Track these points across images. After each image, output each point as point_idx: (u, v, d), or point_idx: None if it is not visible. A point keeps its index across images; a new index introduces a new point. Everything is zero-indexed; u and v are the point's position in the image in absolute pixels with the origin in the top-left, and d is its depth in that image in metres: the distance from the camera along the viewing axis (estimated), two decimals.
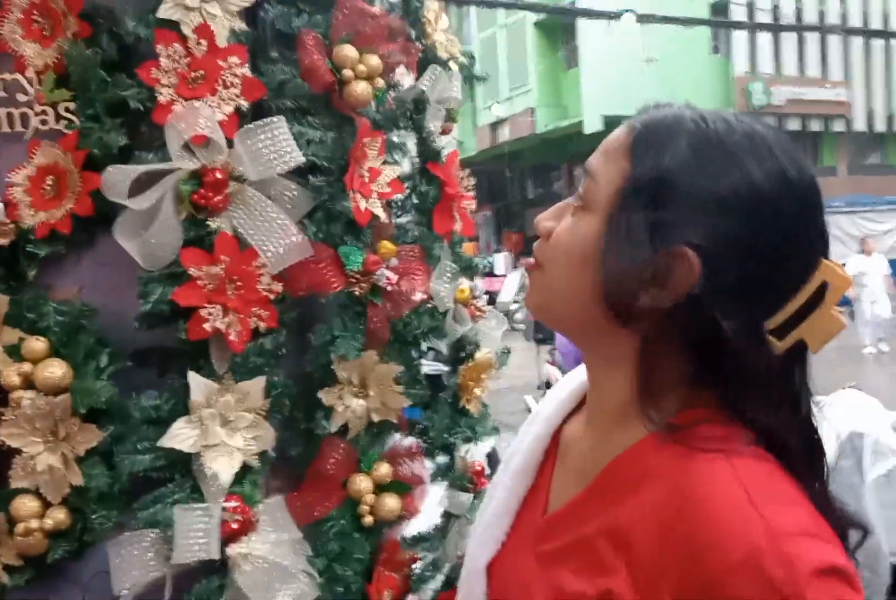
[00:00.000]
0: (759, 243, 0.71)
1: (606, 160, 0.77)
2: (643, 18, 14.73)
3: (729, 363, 0.71)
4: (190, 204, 1.21)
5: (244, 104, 1.25)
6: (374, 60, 1.34)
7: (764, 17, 21.92)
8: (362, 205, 1.32)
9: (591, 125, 21.59)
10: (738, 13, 21.91)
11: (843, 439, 2.22)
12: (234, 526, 1.17)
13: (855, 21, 24.43)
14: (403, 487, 1.32)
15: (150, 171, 1.20)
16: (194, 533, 1.14)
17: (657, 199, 0.71)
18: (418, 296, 1.34)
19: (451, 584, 1.42)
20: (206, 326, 1.19)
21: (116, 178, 1.18)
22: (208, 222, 1.22)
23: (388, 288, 1.30)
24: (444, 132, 1.49)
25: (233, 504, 1.18)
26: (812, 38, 24.52)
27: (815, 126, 25.31)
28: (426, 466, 1.39)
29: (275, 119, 1.24)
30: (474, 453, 1.52)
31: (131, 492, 1.19)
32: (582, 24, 20.24)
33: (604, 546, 0.72)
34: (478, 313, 1.50)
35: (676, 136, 0.73)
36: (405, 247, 1.37)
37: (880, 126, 26.54)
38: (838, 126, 25.58)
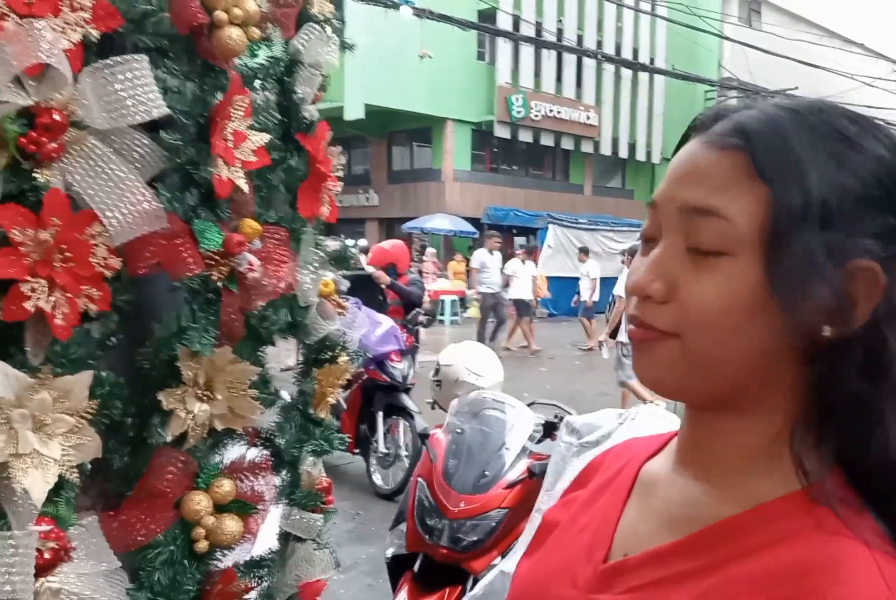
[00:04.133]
0: None
1: (727, 193, 0.63)
2: (420, 13, 14.89)
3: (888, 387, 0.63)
4: (15, 148, 0.95)
5: (94, 34, 1.01)
6: (252, 5, 1.14)
7: (528, 31, 22.82)
8: (224, 173, 1.12)
9: (352, 112, 21.18)
10: (504, 23, 22.57)
11: None
12: (47, 555, 0.93)
13: (609, 49, 26.17)
14: (247, 507, 1.13)
15: None
16: (1, 567, 0.89)
17: (820, 217, 0.61)
18: (282, 287, 1.15)
19: None
20: (28, 305, 0.94)
21: None
22: (36, 174, 0.97)
23: (249, 274, 1.11)
24: (314, 101, 1.30)
25: (45, 528, 0.94)
26: (569, 60, 25.96)
27: (567, 144, 26.84)
28: (273, 483, 1.20)
29: (136, 57, 1.01)
30: None
31: None
32: (351, 7, 19.75)
33: None
34: (339, 310, 1.33)
35: (795, 142, 0.62)
36: (269, 228, 1.17)
37: (623, 152, 28.64)
38: (587, 147, 27.31)
